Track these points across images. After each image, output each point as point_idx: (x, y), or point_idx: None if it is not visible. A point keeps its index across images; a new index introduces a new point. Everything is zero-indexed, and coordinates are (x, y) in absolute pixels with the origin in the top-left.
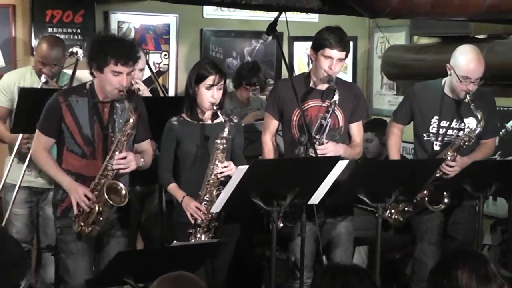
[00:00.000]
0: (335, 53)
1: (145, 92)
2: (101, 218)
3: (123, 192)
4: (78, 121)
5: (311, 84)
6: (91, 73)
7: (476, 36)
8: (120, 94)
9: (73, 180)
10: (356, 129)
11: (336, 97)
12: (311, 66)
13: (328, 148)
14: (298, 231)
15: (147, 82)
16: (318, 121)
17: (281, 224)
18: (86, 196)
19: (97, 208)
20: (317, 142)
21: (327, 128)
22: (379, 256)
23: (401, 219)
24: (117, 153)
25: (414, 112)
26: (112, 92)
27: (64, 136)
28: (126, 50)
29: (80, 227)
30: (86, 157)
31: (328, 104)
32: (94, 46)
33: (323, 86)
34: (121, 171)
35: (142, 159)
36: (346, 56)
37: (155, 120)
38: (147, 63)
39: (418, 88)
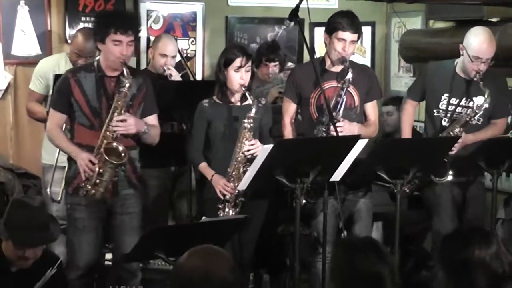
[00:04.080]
0: (348, 35)
1: (176, 77)
2: (104, 179)
3: (121, 150)
4: (86, 94)
5: (326, 66)
6: (97, 48)
7: (489, 20)
8: (122, 63)
9: (80, 149)
10: (371, 108)
11: (349, 75)
12: None
13: (343, 126)
14: (320, 207)
15: (178, 68)
16: (334, 99)
17: (304, 201)
18: (90, 161)
19: (97, 169)
20: (334, 120)
21: (343, 105)
22: (398, 231)
23: (407, 190)
24: (116, 114)
25: (426, 89)
26: (115, 62)
27: (74, 110)
28: (125, 20)
29: (86, 191)
30: (95, 128)
31: (343, 82)
32: (97, 20)
33: (337, 68)
34: (119, 132)
35: (145, 126)
36: (359, 38)
37: (186, 103)
38: (179, 50)
39: (431, 67)
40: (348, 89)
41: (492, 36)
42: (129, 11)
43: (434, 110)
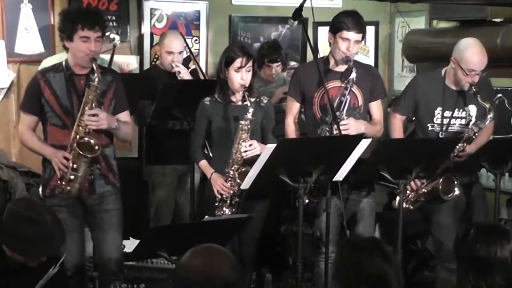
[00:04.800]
0: (352, 35)
1: (185, 74)
2: (78, 174)
3: (93, 143)
4: (56, 94)
5: (330, 66)
6: (64, 46)
7: (493, 20)
8: (90, 59)
9: (53, 148)
10: (376, 107)
11: (353, 75)
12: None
13: (349, 124)
14: (323, 207)
15: (184, 63)
16: (338, 98)
17: (307, 200)
18: (64, 157)
19: (71, 164)
20: (338, 119)
21: (346, 104)
22: (401, 231)
23: (411, 207)
24: (87, 108)
25: (417, 103)
26: (84, 59)
27: (45, 111)
28: (91, 16)
29: (62, 189)
30: (67, 127)
31: (347, 82)
32: (62, 18)
33: (341, 68)
34: (90, 127)
35: (116, 123)
36: (363, 38)
37: (192, 101)
38: (186, 45)
39: (420, 80)
40: (352, 89)
41: (483, 47)
42: (93, 7)
43: (428, 125)
